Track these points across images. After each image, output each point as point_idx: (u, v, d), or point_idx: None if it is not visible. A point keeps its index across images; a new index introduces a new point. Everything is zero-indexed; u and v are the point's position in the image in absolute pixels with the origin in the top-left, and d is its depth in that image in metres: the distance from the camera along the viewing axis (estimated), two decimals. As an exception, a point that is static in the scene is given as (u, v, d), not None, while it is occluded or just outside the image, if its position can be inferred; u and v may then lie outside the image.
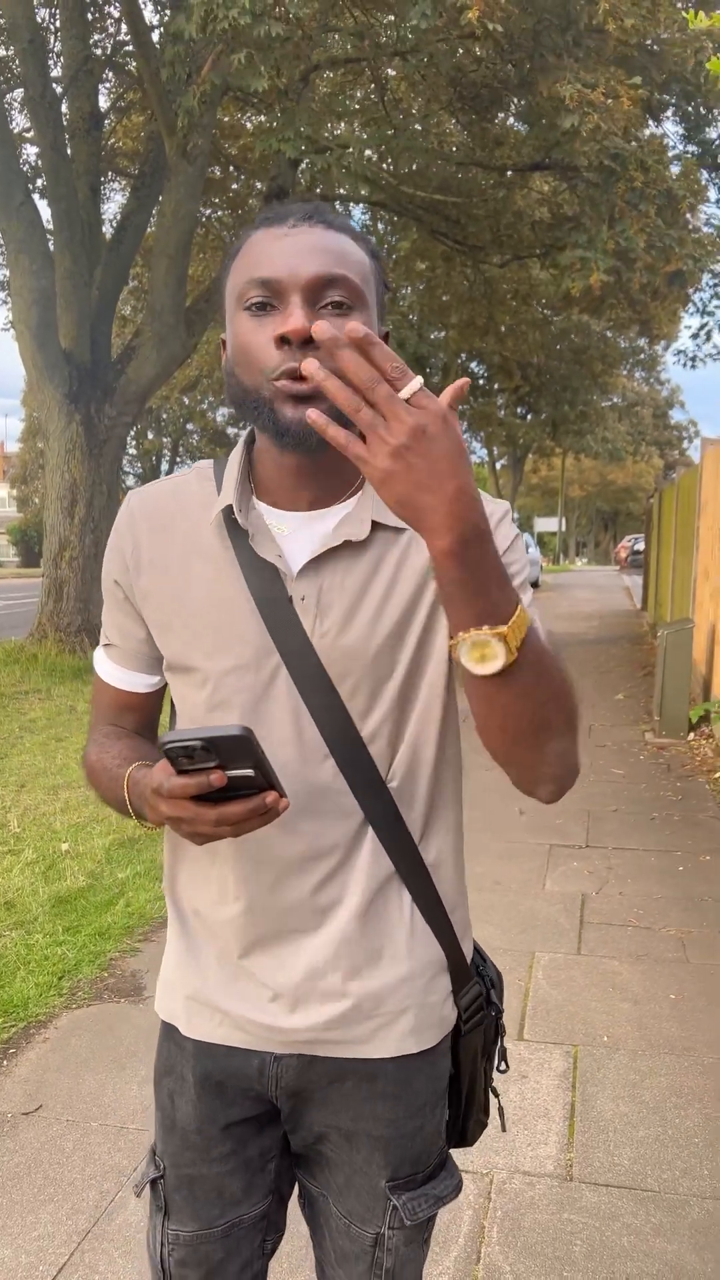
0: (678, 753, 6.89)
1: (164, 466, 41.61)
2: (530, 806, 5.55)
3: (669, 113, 11.25)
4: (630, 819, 5.33)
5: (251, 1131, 1.22)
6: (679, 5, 7.95)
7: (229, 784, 0.92)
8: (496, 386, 26.48)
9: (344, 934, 1.12)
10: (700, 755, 6.74)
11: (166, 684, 1.22)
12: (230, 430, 40.46)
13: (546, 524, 48.00)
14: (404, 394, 0.82)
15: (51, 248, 10.31)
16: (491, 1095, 1.33)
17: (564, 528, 51.87)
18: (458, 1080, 1.25)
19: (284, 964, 1.14)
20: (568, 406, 25.83)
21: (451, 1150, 1.27)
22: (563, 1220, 2.25)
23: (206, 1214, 1.21)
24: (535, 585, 27.15)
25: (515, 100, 10.66)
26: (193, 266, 11.96)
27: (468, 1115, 1.29)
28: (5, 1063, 2.92)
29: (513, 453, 39.98)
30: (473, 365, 26.31)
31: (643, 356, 33.40)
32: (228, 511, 1.10)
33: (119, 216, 12.11)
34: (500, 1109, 1.36)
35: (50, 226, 10.44)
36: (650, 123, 10.68)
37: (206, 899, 1.18)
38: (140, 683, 1.23)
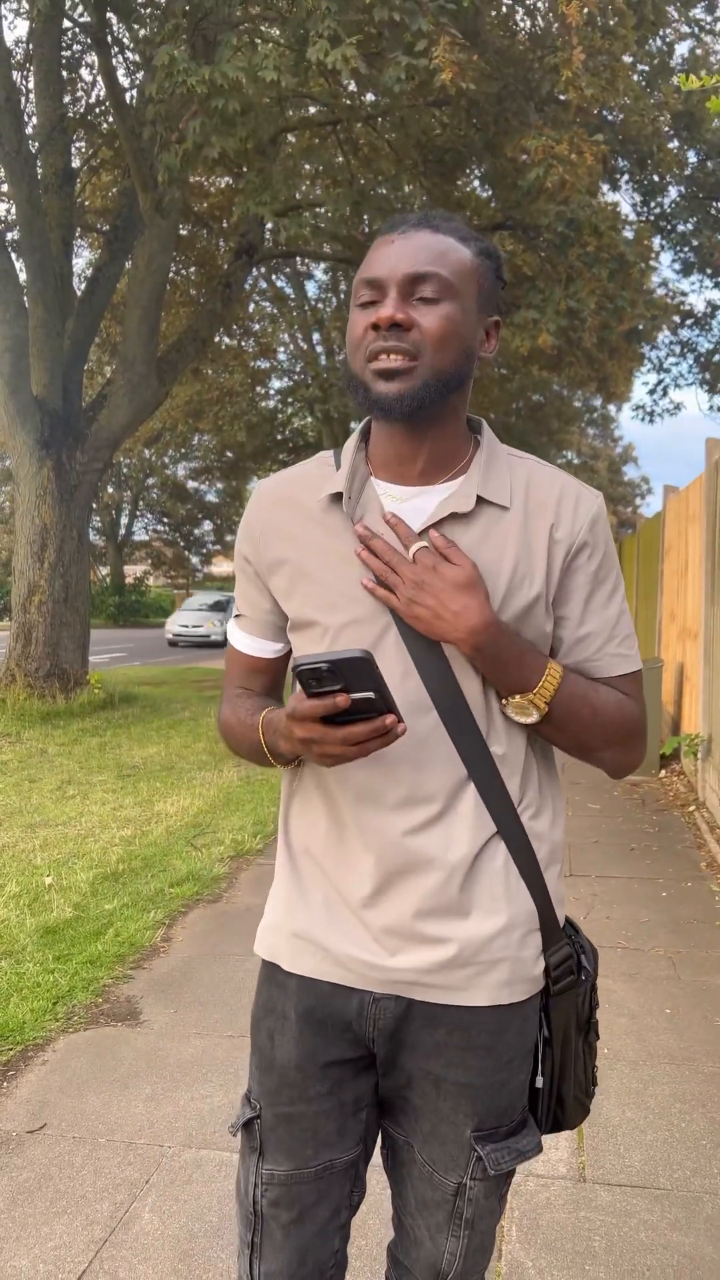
0: (650, 788, 6.99)
1: (124, 519, 41.60)
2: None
3: (624, 180, 11.77)
4: (611, 850, 5.39)
5: (348, 1074, 1.27)
6: (637, 79, 8.40)
7: (352, 707, 1.03)
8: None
9: (446, 882, 1.18)
10: (673, 790, 6.85)
11: (289, 651, 1.34)
12: (190, 484, 40.66)
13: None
14: (415, 547, 1.16)
15: (25, 299, 10.43)
16: (590, 1079, 1.36)
17: (521, 582, 52.31)
18: (549, 1047, 1.29)
19: (388, 906, 1.20)
20: (525, 463, 26.35)
21: (536, 1141, 1.28)
22: (580, 1219, 2.26)
23: (301, 1153, 1.26)
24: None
25: (478, 164, 11.06)
26: (162, 321, 12.14)
27: (563, 1089, 1.31)
28: (5, 1084, 2.88)
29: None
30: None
31: (596, 415, 34.30)
32: (339, 495, 1.24)
33: (91, 270, 12.30)
34: (592, 1093, 1.37)
35: (23, 278, 10.59)
36: (606, 189, 11.14)
37: (317, 839, 1.26)
38: (267, 649, 1.35)
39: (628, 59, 8.33)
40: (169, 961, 3.79)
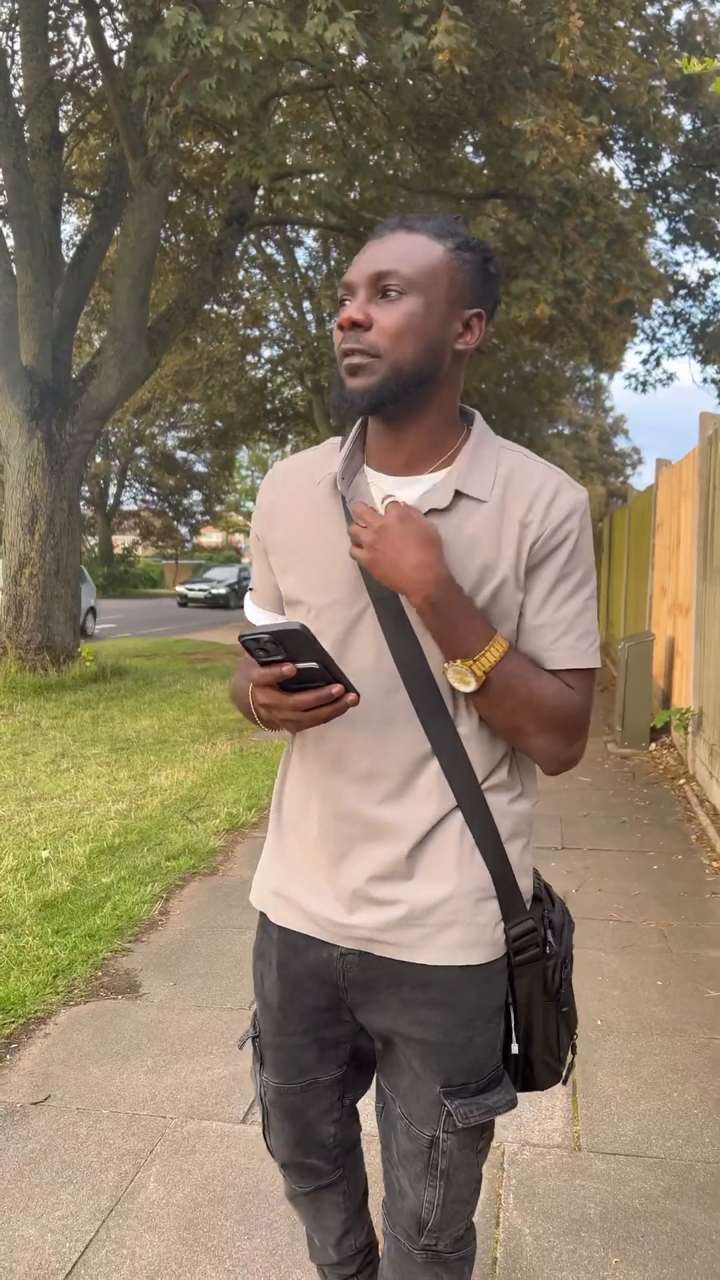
0: (641, 761, 7.05)
1: (112, 489, 41.36)
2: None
3: (619, 146, 11.66)
4: (602, 823, 5.45)
5: (327, 1019, 1.41)
6: (633, 46, 8.28)
7: (301, 676, 1.14)
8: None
9: (401, 850, 1.28)
10: (663, 763, 6.91)
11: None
12: (179, 454, 40.41)
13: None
14: (383, 502, 1.25)
15: (13, 267, 10.30)
16: (563, 1045, 1.43)
17: (511, 553, 52.36)
18: (516, 1012, 1.36)
19: (348, 869, 1.32)
20: (515, 433, 26.26)
21: (509, 1098, 1.36)
22: (575, 1187, 2.32)
23: (287, 1073, 1.46)
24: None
25: (472, 132, 10.94)
26: (152, 289, 12.02)
27: (530, 1053, 1.39)
28: (9, 1056, 2.92)
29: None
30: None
31: (589, 385, 34.16)
32: (333, 480, 1.32)
33: (80, 237, 12.14)
34: (571, 1064, 1.46)
35: (11, 245, 10.45)
36: (602, 157, 11.03)
37: (297, 807, 1.39)
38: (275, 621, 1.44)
39: (622, 24, 8.22)
40: (167, 934, 3.83)
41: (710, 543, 5.99)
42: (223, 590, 31.75)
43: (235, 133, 7.68)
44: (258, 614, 1.46)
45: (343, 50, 6.78)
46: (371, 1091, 1.53)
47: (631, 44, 8.74)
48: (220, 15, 6.74)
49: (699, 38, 10.16)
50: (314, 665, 1.13)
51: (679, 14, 10.53)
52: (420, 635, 1.26)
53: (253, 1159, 2.42)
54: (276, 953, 1.42)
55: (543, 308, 8.83)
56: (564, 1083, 1.47)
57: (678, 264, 13.01)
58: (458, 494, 1.26)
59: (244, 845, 4.98)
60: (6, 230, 10.71)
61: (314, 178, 8.80)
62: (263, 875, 1.47)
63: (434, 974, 1.30)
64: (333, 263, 21.33)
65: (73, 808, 5.62)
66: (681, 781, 6.32)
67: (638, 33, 9.10)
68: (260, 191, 10.90)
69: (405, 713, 1.27)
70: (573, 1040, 1.46)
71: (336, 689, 1.14)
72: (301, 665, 1.13)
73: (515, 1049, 1.37)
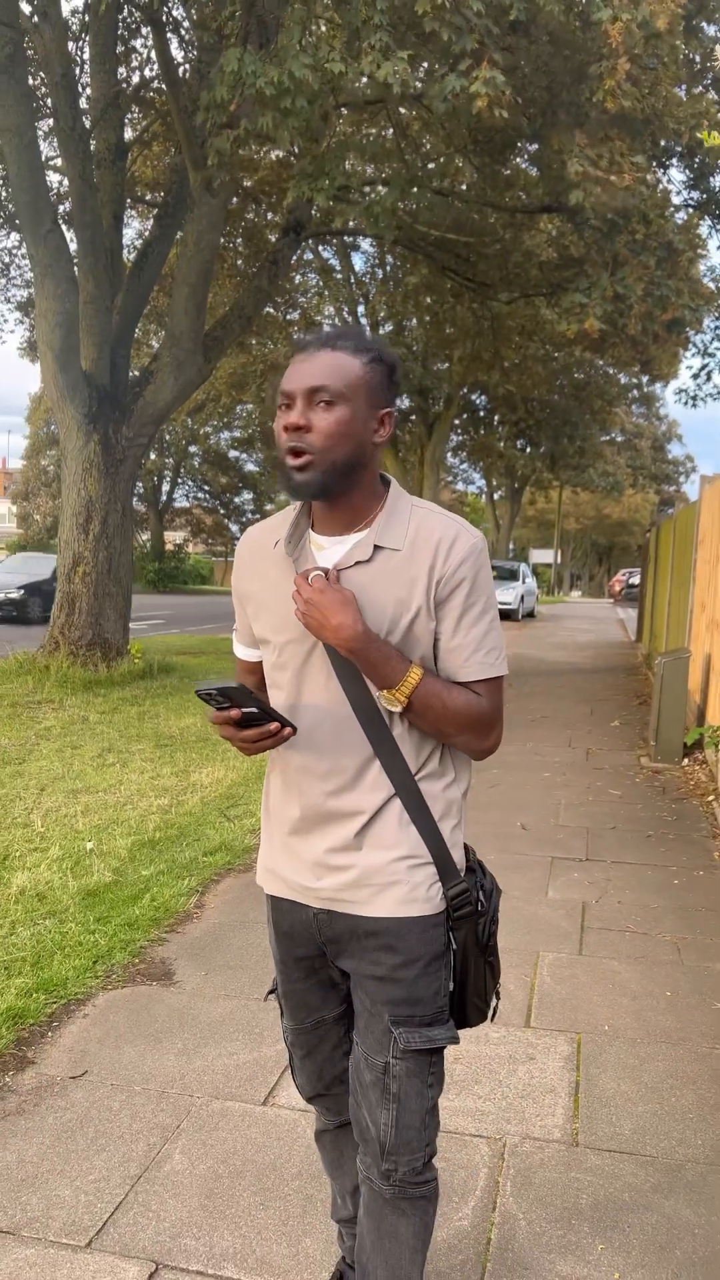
0: (672, 777, 7.14)
1: (165, 486, 41.96)
2: (532, 822, 5.79)
3: (674, 161, 11.68)
4: (627, 836, 5.57)
5: (319, 964, 1.78)
6: (679, 90, 8.37)
7: (249, 717, 1.52)
8: (497, 419, 26.91)
9: (353, 829, 1.64)
10: (694, 779, 6.99)
11: None
12: (232, 453, 40.91)
13: (542, 556, 48.44)
14: (311, 575, 1.57)
15: (76, 273, 10.63)
16: (489, 987, 1.77)
17: (559, 560, 52.31)
18: (454, 958, 1.69)
19: (314, 844, 1.68)
20: (567, 441, 26.24)
21: (451, 1034, 1.68)
22: (570, 1178, 2.48)
23: (299, 1015, 1.84)
24: (531, 615, 27.44)
25: (527, 146, 11.06)
26: (210, 293, 12.29)
27: (464, 995, 1.72)
28: (50, 1034, 3.15)
29: (511, 484, 40.45)
30: (475, 397, 26.72)
31: (643, 392, 33.95)
32: (281, 543, 1.69)
33: (140, 244, 12.45)
34: (495, 1007, 1.81)
35: (75, 252, 10.78)
36: (656, 169, 11.05)
37: (278, 801, 1.76)
38: (251, 655, 1.84)
39: (673, 48, 8.25)
40: (201, 926, 4.05)
41: (746, 564, 6.07)
42: None
43: (295, 149, 7.86)
44: (240, 649, 1.86)
45: (395, 89, 6.93)
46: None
47: (684, 61, 8.78)
48: (275, 54, 6.94)
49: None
50: (254, 710, 1.50)
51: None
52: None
53: (270, 1138, 2.61)
54: (272, 916, 1.80)
55: (591, 322, 8.94)
56: (490, 1020, 1.81)
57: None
58: (377, 547, 1.60)
59: (278, 844, 5.18)
60: (70, 236, 11.07)
61: (371, 193, 8.96)
62: (260, 856, 1.84)
63: (381, 924, 1.64)
64: (388, 268, 21.53)
65: (117, 801, 5.87)
66: (710, 798, 6.41)
67: (693, 57, 9.15)
68: (317, 208, 11.11)
69: (351, 724, 1.62)
70: (496, 987, 1.79)
71: (273, 726, 1.52)
72: (245, 710, 1.50)
73: (443, 981, 1.68)
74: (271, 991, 1.90)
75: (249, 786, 6.35)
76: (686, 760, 7.53)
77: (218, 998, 3.42)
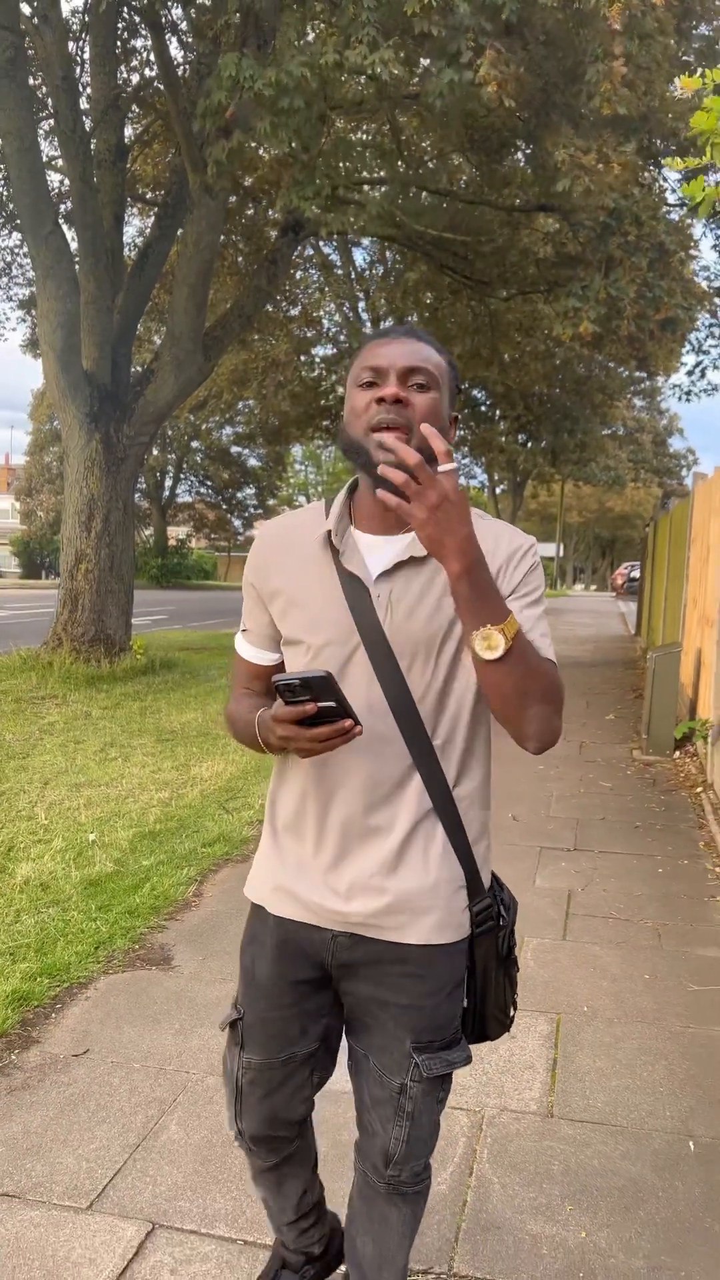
0: (663, 769, 7.28)
1: (168, 482, 42.13)
2: (522, 813, 5.94)
3: (667, 157, 11.78)
4: (616, 827, 5.71)
5: (310, 990, 1.67)
6: (674, 89, 8.46)
7: (320, 713, 1.39)
8: (498, 414, 26.97)
9: (389, 848, 1.54)
10: (684, 772, 7.13)
11: (283, 660, 1.68)
12: (234, 449, 41.02)
13: (544, 549, 48.54)
14: (442, 469, 1.31)
15: (77, 273, 10.76)
16: (509, 1001, 1.72)
17: (562, 553, 52.41)
18: (474, 977, 1.65)
19: (346, 865, 1.57)
20: (568, 435, 26.29)
21: (466, 1055, 1.66)
22: (543, 1147, 2.63)
23: (271, 1047, 1.69)
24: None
25: (523, 145, 11.16)
26: (210, 290, 12.41)
27: (485, 1010, 1.68)
28: (53, 1015, 3.30)
29: (513, 478, 40.53)
30: (475, 392, 26.79)
31: (643, 385, 33.99)
32: (328, 536, 1.57)
33: (141, 244, 12.58)
34: (511, 1015, 1.74)
35: (75, 252, 10.92)
36: (649, 168, 11.16)
37: (294, 815, 1.64)
38: (265, 658, 1.71)
39: (666, 42, 8.35)
40: (199, 914, 4.20)
41: (733, 560, 6.20)
42: None
43: (292, 148, 7.98)
44: (249, 650, 1.72)
45: (385, 78, 7.05)
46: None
47: (677, 60, 8.88)
48: (272, 56, 7.07)
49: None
50: (332, 704, 1.37)
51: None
52: (405, 669, 1.51)
53: (262, 1110, 2.76)
54: (273, 936, 1.66)
55: (586, 325, 9.07)
56: (508, 1030, 1.75)
57: (726, 276, 13.18)
58: None
59: (275, 836, 5.33)
60: (71, 236, 11.20)
61: (367, 193, 9.08)
62: (260, 873, 1.71)
63: (412, 951, 1.56)
64: (389, 263, 21.61)
65: (118, 794, 6.02)
66: (699, 790, 6.55)
67: (686, 58, 9.24)
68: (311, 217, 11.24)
69: (393, 733, 1.52)
70: (515, 997, 1.74)
71: (348, 723, 1.38)
72: (322, 704, 1.37)
73: (464, 1003, 1.66)
74: (234, 1021, 1.72)
75: (247, 780, 6.50)
76: (677, 753, 7.67)
77: (214, 981, 3.57)
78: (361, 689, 1.51)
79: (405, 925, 1.55)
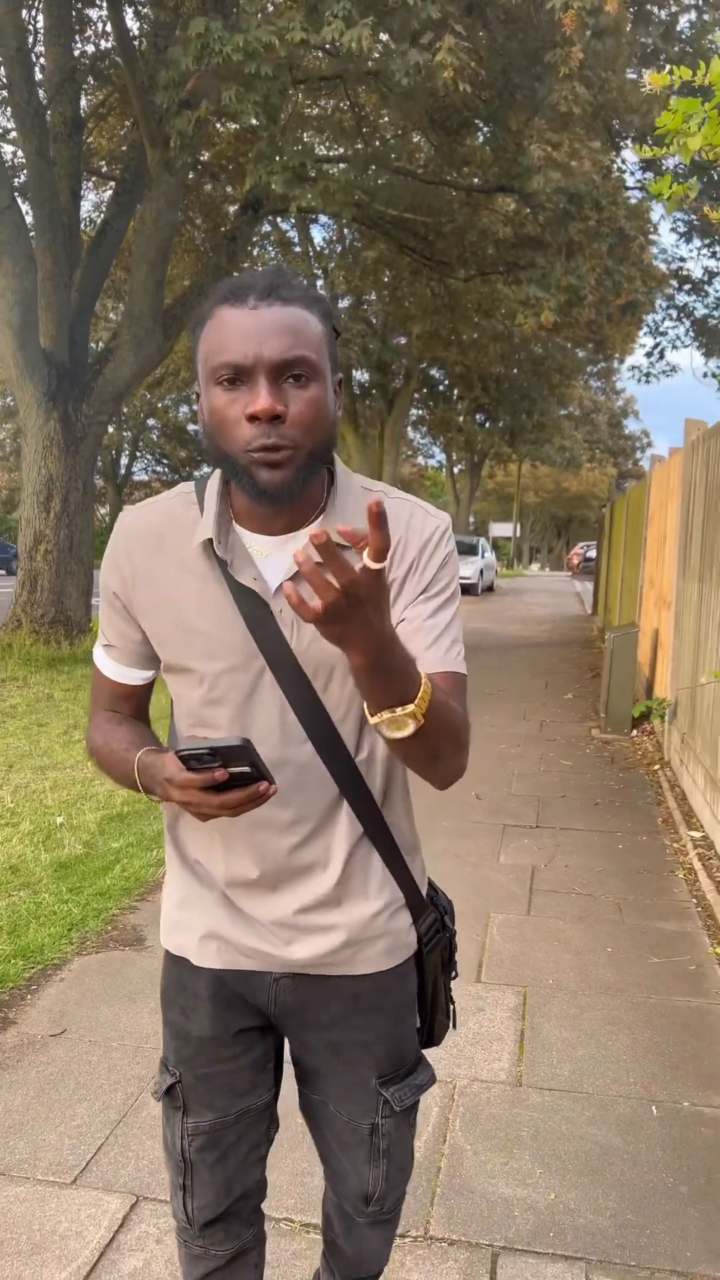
0: (621, 747, 7.43)
1: (124, 460, 41.69)
2: (486, 791, 6.05)
3: (626, 142, 11.87)
4: (576, 804, 5.84)
5: (256, 1038, 1.48)
6: (633, 76, 8.56)
7: (230, 778, 1.14)
8: (456, 394, 27.05)
9: (329, 883, 1.37)
10: (642, 749, 7.29)
11: (157, 676, 1.44)
12: (190, 427, 40.68)
13: (501, 529, 48.83)
14: (373, 566, 0.99)
15: (33, 249, 10.60)
16: (449, 1002, 1.61)
17: (518, 533, 52.74)
18: (423, 991, 1.53)
19: (278, 904, 1.38)
20: (525, 416, 26.46)
21: (425, 1053, 1.56)
22: (513, 1114, 2.72)
23: (221, 1104, 1.46)
24: (490, 589, 27.79)
25: (484, 126, 11.18)
26: (169, 268, 12.31)
27: (433, 1018, 1.57)
28: (29, 996, 3.34)
29: (470, 458, 40.69)
30: (434, 372, 26.84)
31: (600, 367, 34.27)
32: (208, 543, 1.29)
33: (99, 221, 12.41)
34: (453, 1011, 1.63)
35: (31, 227, 10.75)
36: (609, 152, 11.25)
37: (208, 851, 1.40)
38: (135, 677, 1.44)
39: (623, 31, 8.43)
40: (170, 896, 4.24)
41: (690, 543, 6.34)
42: None
43: (256, 122, 7.92)
44: (113, 669, 1.44)
45: (359, 53, 7.04)
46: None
47: (637, 46, 8.96)
48: (240, 21, 7.02)
49: (708, 39, 10.35)
50: (245, 769, 1.13)
51: (688, 18, 10.69)
52: (320, 689, 1.31)
53: (240, 1085, 2.83)
54: (206, 985, 1.44)
55: (547, 314, 9.15)
56: (453, 1027, 1.63)
57: (682, 259, 13.28)
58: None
59: (242, 816, 5.38)
60: (26, 211, 11.02)
61: (329, 171, 9.06)
62: (177, 920, 1.47)
63: (363, 983, 1.42)
64: (347, 242, 21.52)
65: (84, 777, 6.03)
66: (656, 767, 6.71)
67: (644, 40, 9.31)
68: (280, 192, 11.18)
69: (313, 762, 1.32)
70: (451, 994, 1.61)
71: (263, 786, 1.15)
72: (233, 770, 1.13)
73: (419, 1023, 1.54)
74: (170, 1088, 1.47)
75: (213, 761, 6.53)
76: (635, 731, 7.83)
77: (187, 960, 3.62)
78: (274, 717, 1.31)
79: (354, 957, 1.41)
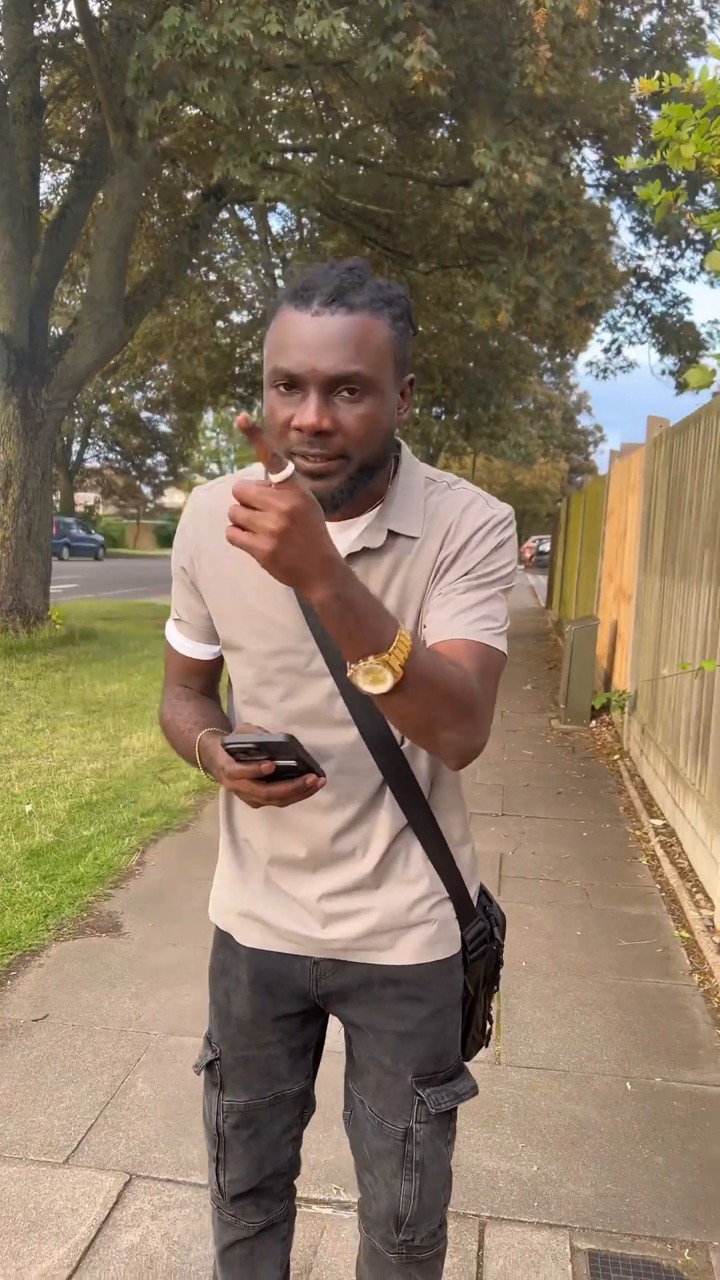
0: (581, 738, 7.57)
1: (75, 446, 41.18)
2: (451, 781, 6.14)
3: (587, 142, 12.00)
4: (540, 793, 5.95)
5: (296, 1025, 1.50)
6: (596, 74, 8.65)
7: (277, 771, 1.18)
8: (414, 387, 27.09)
9: (367, 869, 1.38)
10: (601, 740, 7.44)
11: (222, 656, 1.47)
12: (145, 414, 40.27)
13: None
14: (276, 479, 0.98)
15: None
16: (487, 1019, 1.58)
17: (472, 526, 52.88)
18: (466, 1002, 1.50)
19: (319, 887, 1.40)
20: (481, 409, 26.61)
21: (472, 1084, 1.50)
22: (494, 1092, 2.80)
23: (257, 1086, 1.50)
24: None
25: (446, 120, 11.22)
26: (130, 254, 12.18)
27: (467, 1033, 1.53)
28: (9, 982, 3.34)
29: (425, 450, 40.81)
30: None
31: (556, 362, 34.54)
32: None
33: (59, 204, 12.26)
34: (490, 1030, 1.61)
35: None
36: (570, 151, 11.36)
37: (258, 832, 1.43)
38: (204, 651, 1.46)
39: (590, 32, 8.55)
40: (144, 882, 4.26)
41: (652, 538, 6.47)
42: None
43: (223, 114, 7.87)
44: (184, 643, 1.47)
45: (334, 45, 7.04)
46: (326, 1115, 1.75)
47: (601, 47, 9.06)
48: (215, 13, 6.99)
49: (668, 41, 10.50)
50: (291, 763, 1.17)
51: (649, 18, 10.84)
52: None
53: (225, 1066, 2.87)
54: (247, 968, 1.47)
55: (503, 316, 9.24)
56: (486, 1047, 1.60)
57: (640, 257, 13.49)
58: (391, 533, 1.29)
59: (213, 804, 5.41)
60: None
61: (293, 161, 9.04)
62: (223, 897, 1.51)
63: (404, 972, 1.40)
64: (305, 231, 21.45)
65: (50, 766, 6.01)
66: (616, 757, 6.85)
67: (607, 40, 9.42)
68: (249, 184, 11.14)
69: (360, 748, 1.33)
70: (490, 1012, 1.59)
71: (310, 779, 1.18)
72: (280, 763, 1.17)
73: (460, 1024, 1.50)
74: (210, 1064, 1.53)
75: (179, 750, 6.54)
76: (594, 722, 7.98)
77: (165, 946, 3.65)
78: (322, 701, 1.32)
79: (393, 944, 1.41)
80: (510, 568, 1.31)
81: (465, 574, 1.28)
